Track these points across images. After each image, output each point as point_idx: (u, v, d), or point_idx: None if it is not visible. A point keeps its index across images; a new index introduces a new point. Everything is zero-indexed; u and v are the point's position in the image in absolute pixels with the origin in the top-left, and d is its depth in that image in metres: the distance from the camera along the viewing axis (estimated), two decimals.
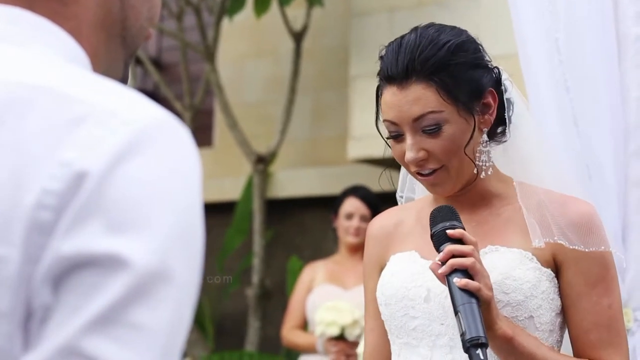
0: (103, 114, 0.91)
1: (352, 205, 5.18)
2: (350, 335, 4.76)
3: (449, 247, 1.90)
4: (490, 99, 2.04)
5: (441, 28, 2.05)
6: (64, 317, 0.86)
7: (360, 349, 4.15)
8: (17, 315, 0.88)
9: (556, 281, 2.04)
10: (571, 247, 2.01)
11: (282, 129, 7.35)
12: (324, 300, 4.99)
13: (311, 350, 5.03)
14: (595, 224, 2.04)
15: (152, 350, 0.87)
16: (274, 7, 7.21)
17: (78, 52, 1.04)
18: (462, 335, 1.83)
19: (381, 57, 2.06)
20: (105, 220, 0.87)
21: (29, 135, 0.90)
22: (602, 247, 2.03)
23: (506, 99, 2.08)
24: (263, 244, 7.31)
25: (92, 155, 0.88)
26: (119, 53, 1.11)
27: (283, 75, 7.83)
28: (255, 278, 7.26)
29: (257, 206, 7.37)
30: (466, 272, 1.88)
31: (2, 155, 0.90)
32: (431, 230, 1.95)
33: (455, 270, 1.88)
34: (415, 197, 2.29)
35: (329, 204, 5.61)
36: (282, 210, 7.87)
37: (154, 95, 8.47)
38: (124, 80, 1.13)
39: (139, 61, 7.93)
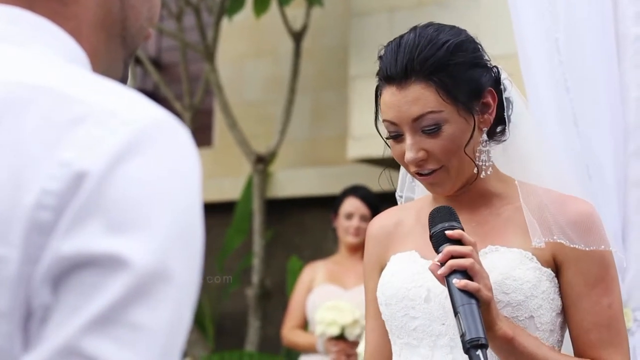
0: (102, 114, 0.91)
1: (352, 205, 5.18)
2: (351, 334, 4.76)
3: (447, 248, 1.90)
4: (489, 99, 2.04)
5: (440, 27, 2.05)
6: (63, 317, 0.86)
7: (360, 349, 4.15)
8: (16, 315, 0.88)
9: (556, 281, 2.03)
10: (572, 245, 2.01)
11: (281, 129, 7.35)
12: (324, 300, 4.99)
13: (311, 350, 5.03)
14: (596, 223, 2.04)
15: (151, 350, 0.87)
16: (274, 7, 7.21)
17: (78, 52, 1.04)
18: (462, 336, 1.83)
19: (380, 57, 2.06)
20: (105, 220, 0.87)
21: (29, 135, 0.90)
22: (603, 246, 2.03)
23: (505, 98, 2.08)
24: (263, 244, 7.31)
25: (91, 155, 0.88)
26: (119, 53, 1.11)
27: (283, 75, 7.83)
28: (255, 278, 7.26)
29: (256, 206, 7.37)
30: (465, 273, 1.88)
31: (1, 155, 0.90)
32: (430, 231, 1.95)
33: (454, 271, 1.88)
34: (415, 197, 2.29)
35: (329, 204, 5.61)
36: (282, 210, 7.87)
37: (154, 95, 8.47)
38: (123, 80, 1.13)
39: (138, 61, 7.93)
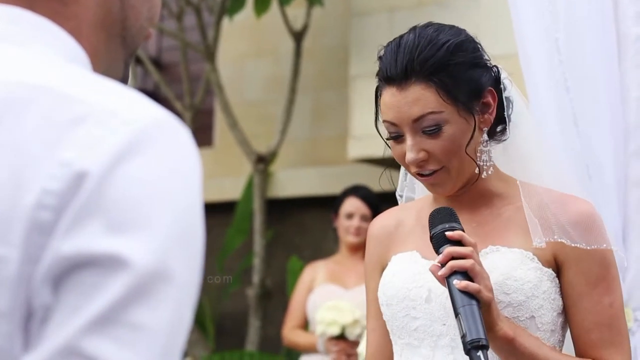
0: (103, 113, 0.91)
1: (352, 205, 5.18)
2: (351, 334, 4.76)
3: (448, 249, 1.90)
4: (489, 98, 2.04)
5: (440, 28, 2.04)
6: (64, 317, 0.86)
7: (360, 348, 4.15)
8: (17, 315, 0.88)
9: (557, 281, 2.03)
10: (573, 245, 2.01)
11: (282, 129, 7.35)
12: (324, 300, 4.99)
13: (312, 349, 5.03)
14: (596, 222, 2.04)
15: (152, 350, 0.87)
16: (274, 6, 7.21)
17: (78, 52, 1.04)
18: (463, 337, 1.83)
19: (380, 58, 2.05)
20: (105, 220, 0.87)
21: (29, 135, 0.90)
22: (604, 245, 2.03)
23: (505, 97, 2.08)
24: (263, 243, 7.31)
25: (92, 155, 0.88)
26: (119, 53, 1.11)
27: (283, 75, 7.83)
28: (256, 278, 7.26)
29: (257, 206, 7.37)
30: (466, 274, 1.88)
31: (1, 155, 0.90)
32: (430, 232, 1.95)
33: (455, 272, 1.88)
34: (415, 197, 2.29)
35: (329, 204, 5.61)
36: (282, 210, 7.87)
37: (154, 95, 8.46)
38: (124, 80, 1.13)
39: (139, 61, 7.92)
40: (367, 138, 6.57)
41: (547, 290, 2.01)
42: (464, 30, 2.08)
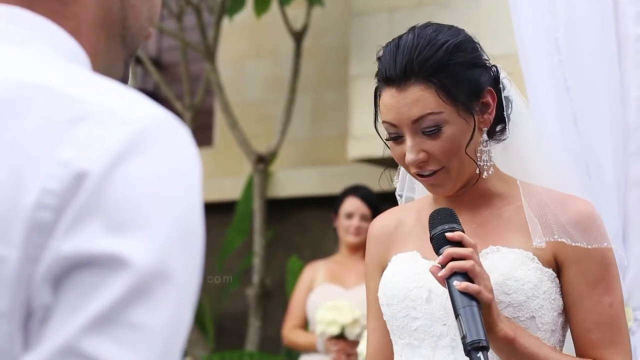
0: (103, 113, 0.91)
1: (352, 204, 5.18)
2: (351, 334, 4.76)
3: (448, 250, 1.90)
4: (489, 98, 2.04)
5: (439, 28, 2.04)
6: (63, 317, 0.86)
7: (360, 348, 4.15)
8: (17, 315, 0.88)
9: (558, 281, 2.03)
10: (573, 244, 2.01)
11: (282, 129, 7.34)
12: (324, 299, 4.99)
13: (312, 349, 5.03)
14: (596, 222, 2.04)
15: (152, 350, 0.87)
16: (274, 6, 7.21)
17: (78, 51, 1.04)
18: (463, 338, 1.83)
19: (379, 59, 2.05)
20: (105, 220, 0.87)
21: (29, 134, 0.90)
22: (605, 244, 2.02)
23: (505, 97, 2.08)
24: (263, 243, 7.31)
25: (91, 155, 0.88)
26: (119, 52, 1.11)
27: (283, 75, 7.83)
28: (256, 278, 7.26)
29: (257, 206, 7.37)
30: (466, 275, 1.88)
31: (1, 154, 0.90)
32: (430, 233, 1.95)
33: (455, 273, 1.88)
34: (415, 197, 2.29)
35: (329, 204, 5.61)
36: (282, 210, 7.87)
37: (154, 95, 8.46)
38: (124, 79, 1.13)
39: (139, 61, 7.92)
40: (367, 138, 6.57)
41: (547, 290, 2.01)
42: (463, 30, 2.08)
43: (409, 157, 2.00)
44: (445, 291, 1.94)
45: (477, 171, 2.04)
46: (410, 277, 2.06)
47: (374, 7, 6.92)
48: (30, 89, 0.93)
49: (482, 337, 1.82)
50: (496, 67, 2.09)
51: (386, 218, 2.22)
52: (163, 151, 0.91)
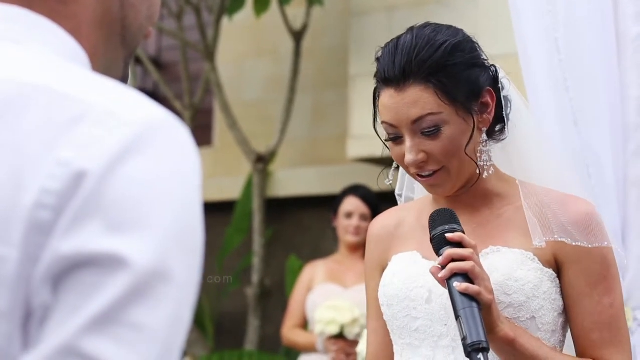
0: (102, 113, 0.91)
1: (351, 204, 5.19)
2: (350, 333, 4.76)
3: (448, 251, 1.90)
4: (488, 98, 2.04)
5: (437, 28, 2.04)
6: (63, 316, 0.86)
7: (360, 348, 4.15)
8: (16, 315, 0.87)
9: (558, 281, 2.03)
10: (574, 244, 2.01)
11: (281, 129, 7.34)
12: (324, 299, 5.00)
13: (311, 349, 5.03)
14: (597, 222, 2.04)
15: (151, 350, 0.86)
16: (274, 6, 7.21)
17: (77, 51, 1.04)
18: (464, 340, 1.83)
19: (377, 59, 2.05)
20: (105, 220, 0.87)
21: (28, 134, 0.90)
22: (605, 243, 2.02)
23: (504, 97, 2.08)
24: (263, 243, 7.31)
25: (91, 155, 0.88)
26: (119, 52, 1.11)
27: (283, 74, 7.83)
28: (255, 277, 7.26)
29: (256, 205, 7.37)
30: (466, 276, 1.88)
31: (1, 154, 0.90)
32: (430, 234, 1.95)
33: (455, 274, 1.88)
34: (415, 197, 2.29)
35: (329, 203, 5.61)
36: (281, 210, 7.87)
37: (154, 94, 8.46)
38: (123, 79, 1.13)
39: (138, 60, 7.92)
40: (366, 138, 6.57)
41: (547, 290, 2.01)
42: (462, 30, 2.07)
43: (408, 157, 1.99)
44: (445, 291, 1.94)
45: (477, 171, 2.04)
46: (410, 277, 2.06)
47: (374, 7, 6.92)
48: (30, 88, 0.93)
49: (483, 339, 1.82)
50: (495, 67, 2.09)
51: (386, 218, 2.22)
52: (163, 151, 0.91)
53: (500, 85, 2.08)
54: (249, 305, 7.31)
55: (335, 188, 6.26)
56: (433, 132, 1.98)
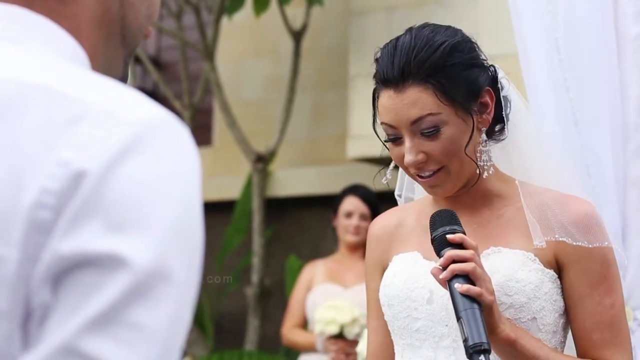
0: (102, 113, 0.91)
1: (351, 204, 5.19)
2: (350, 333, 4.76)
3: (449, 253, 1.90)
4: (487, 98, 2.04)
5: (436, 29, 2.04)
6: (63, 316, 0.86)
7: (360, 348, 4.15)
8: (16, 314, 0.87)
9: (559, 282, 2.03)
10: (574, 243, 2.01)
11: (281, 128, 7.35)
12: (323, 298, 5.00)
13: (311, 348, 5.03)
14: (597, 221, 2.04)
15: (151, 349, 0.86)
16: (274, 6, 7.21)
17: (77, 50, 1.04)
18: (465, 341, 1.83)
19: (376, 60, 2.05)
20: (105, 220, 0.87)
21: (28, 134, 0.90)
22: (605, 243, 2.02)
23: (503, 97, 2.08)
24: (262, 242, 7.31)
25: (90, 155, 0.88)
26: (118, 51, 1.11)
27: (282, 74, 7.83)
28: (255, 277, 7.26)
29: (256, 205, 7.37)
30: (467, 277, 1.88)
31: (1, 154, 0.90)
32: (431, 235, 1.95)
33: (456, 276, 1.88)
34: (415, 197, 2.29)
35: (328, 203, 5.61)
36: (281, 209, 7.87)
37: (153, 94, 8.46)
38: (123, 79, 1.13)
39: (138, 60, 7.92)
40: (366, 137, 6.57)
41: (548, 291, 2.01)
42: (460, 30, 2.07)
43: (408, 158, 1.99)
44: (446, 292, 1.94)
45: (477, 171, 2.04)
46: (411, 277, 2.06)
47: (373, 6, 6.92)
48: (30, 88, 0.92)
49: (484, 340, 1.82)
50: (494, 66, 2.09)
51: (387, 218, 2.22)
52: (162, 151, 0.91)
53: (499, 85, 2.08)
54: (249, 305, 7.31)
55: (335, 188, 6.26)
56: (432, 133, 1.98)
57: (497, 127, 2.08)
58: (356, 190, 5.27)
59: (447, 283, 1.89)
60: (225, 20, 7.49)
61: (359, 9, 7.01)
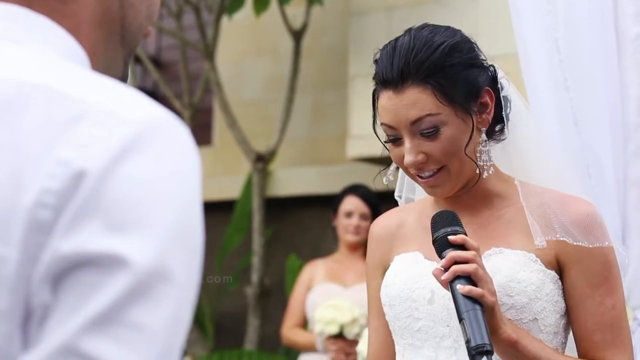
0: (102, 113, 0.91)
1: (351, 203, 5.19)
2: (350, 333, 4.76)
3: (450, 254, 1.90)
4: (487, 98, 2.04)
5: (435, 29, 2.04)
6: (63, 316, 0.86)
7: (360, 347, 4.15)
8: (16, 314, 0.87)
9: (560, 283, 2.03)
10: (575, 243, 2.01)
11: (281, 128, 7.34)
12: (323, 298, 4.99)
13: (311, 348, 5.03)
14: (597, 222, 2.04)
15: (151, 349, 0.86)
16: (274, 5, 7.21)
17: (77, 50, 1.04)
18: (467, 342, 1.83)
19: (375, 61, 2.05)
20: (105, 220, 0.87)
21: (28, 134, 0.90)
22: (606, 243, 2.02)
23: (503, 97, 2.08)
24: (262, 242, 7.31)
25: (90, 154, 0.88)
26: (118, 51, 1.11)
27: (282, 74, 7.83)
28: (255, 277, 7.26)
29: (256, 205, 7.37)
30: (469, 278, 1.88)
31: (1, 154, 0.90)
32: (433, 236, 1.95)
33: (458, 277, 1.88)
34: (415, 198, 2.29)
35: (328, 203, 5.61)
36: (281, 209, 7.87)
37: (153, 93, 8.46)
38: (123, 78, 1.13)
39: (138, 59, 7.92)
40: (366, 137, 6.56)
41: (549, 292, 2.01)
42: (459, 30, 2.07)
43: (408, 158, 1.99)
44: (448, 292, 1.94)
45: (477, 171, 2.03)
46: (412, 277, 2.06)
47: (373, 6, 6.92)
48: (30, 88, 0.92)
49: (486, 341, 1.81)
50: (494, 66, 2.09)
51: (388, 218, 2.22)
52: (162, 150, 0.91)
53: (499, 85, 2.07)
54: (249, 305, 7.31)
55: (335, 188, 6.26)
56: (432, 133, 1.98)
57: (497, 127, 2.08)
58: (356, 190, 5.27)
59: (449, 284, 1.89)
60: (225, 20, 7.49)
61: (359, 8, 7.01)
